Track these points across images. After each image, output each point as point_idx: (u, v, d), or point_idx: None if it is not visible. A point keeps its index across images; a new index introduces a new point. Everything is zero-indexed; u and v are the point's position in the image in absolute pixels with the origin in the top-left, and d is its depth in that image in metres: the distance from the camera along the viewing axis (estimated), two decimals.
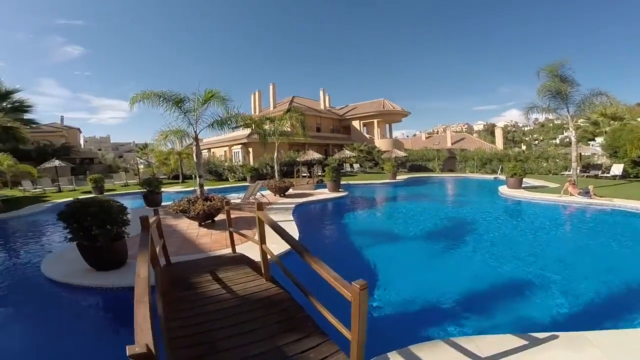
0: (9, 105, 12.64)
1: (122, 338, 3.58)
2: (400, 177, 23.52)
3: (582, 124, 29.38)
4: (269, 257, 3.75)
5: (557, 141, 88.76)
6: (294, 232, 7.72)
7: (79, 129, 45.12)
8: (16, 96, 12.81)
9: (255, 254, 4.56)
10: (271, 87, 36.32)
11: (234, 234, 5.51)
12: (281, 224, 8.52)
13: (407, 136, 72.46)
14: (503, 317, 4.32)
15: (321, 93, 40.79)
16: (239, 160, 29.63)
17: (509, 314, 4.39)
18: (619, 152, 18.54)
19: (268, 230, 3.65)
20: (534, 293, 4.98)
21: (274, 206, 11.99)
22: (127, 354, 1.31)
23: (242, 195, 13.74)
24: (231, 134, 30.39)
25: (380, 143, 35.82)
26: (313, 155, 24.88)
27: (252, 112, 36.34)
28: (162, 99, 8.52)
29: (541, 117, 17.89)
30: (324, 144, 34.93)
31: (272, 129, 15.58)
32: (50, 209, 13.02)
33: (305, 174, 24.05)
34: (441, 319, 4.25)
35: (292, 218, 9.60)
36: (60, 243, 6.03)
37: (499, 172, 24.02)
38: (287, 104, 32.76)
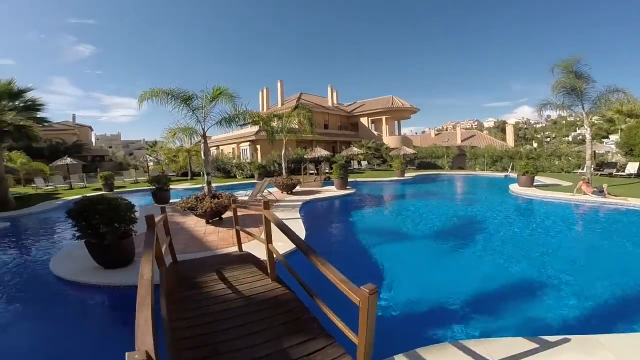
0: (21, 104, 12.78)
1: (129, 337, 3.55)
2: (409, 175, 23.33)
3: (596, 121, 28.69)
4: (275, 256, 3.70)
5: (570, 138, 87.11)
6: (301, 230, 7.68)
7: (90, 127, 45.85)
8: (28, 95, 12.94)
9: (261, 252, 4.52)
10: (279, 84, 36.25)
11: (241, 232, 5.49)
12: (288, 222, 8.52)
13: (416, 133, 71.75)
14: (513, 319, 4.21)
15: (329, 90, 40.56)
16: (247, 158, 29.72)
17: (519, 316, 4.28)
18: (634, 150, 18.05)
19: (275, 228, 3.61)
20: (545, 294, 4.85)
21: (281, 203, 11.97)
22: None
23: (249, 192, 13.77)
24: (239, 131, 30.49)
25: (389, 140, 35.52)
26: (321, 152, 24.81)
27: (260, 109, 36.40)
28: (170, 96, 8.54)
29: (554, 114, 17.52)
30: (332, 141, 34.79)
31: (280, 126, 15.55)
32: (61, 206, 13.23)
33: (312, 171, 24.02)
34: (450, 320, 4.16)
35: (299, 216, 9.57)
36: (70, 241, 6.11)
37: (509, 169, 23.62)
38: (294, 101, 32.69)
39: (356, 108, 41.34)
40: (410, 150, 29.94)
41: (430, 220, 10.04)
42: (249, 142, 29.90)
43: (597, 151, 22.29)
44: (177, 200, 10.18)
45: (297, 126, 17.27)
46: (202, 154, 9.62)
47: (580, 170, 21.54)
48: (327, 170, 24.24)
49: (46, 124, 15.17)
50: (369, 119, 39.00)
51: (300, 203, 11.94)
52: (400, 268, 6.06)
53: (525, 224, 9.55)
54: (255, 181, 18.90)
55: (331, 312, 2.53)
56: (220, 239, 7.11)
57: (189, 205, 8.69)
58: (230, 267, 4.35)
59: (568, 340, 3.29)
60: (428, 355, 3.06)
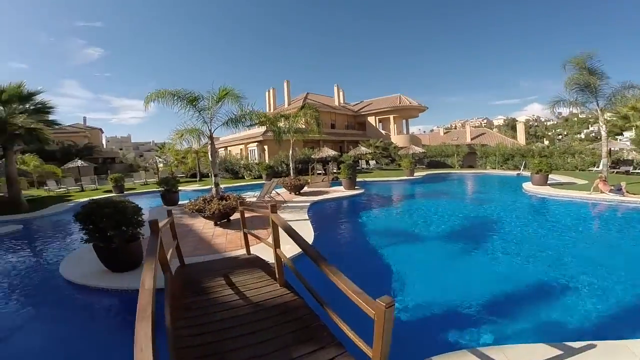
0: (31, 107, 12.96)
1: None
2: (418, 174, 23.02)
3: (609, 118, 27.96)
4: (283, 261, 3.59)
5: (582, 136, 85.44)
6: (309, 232, 7.56)
7: (100, 129, 46.59)
8: (38, 97, 13.12)
9: (270, 254, 4.41)
10: (285, 84, 36.21)
11: (249, 234, 5.40)
12: (296, 223, 8.43)
13: (424, 132, 71.17)
14: (533, 324, 4.03)
15: (335, 89, 40.37)
16: (255, 158, 29.76)
17: (540, 321, 4.10)
18: None
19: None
20: (567, 298, 4.66)
21: (289, 204, 11.88)
22: None
23: (258, 193, 13.72)
24: (247, 132, 30.54)
25: (397, 139, 35.17)
26: (328, 152, 24.66)
27: (267, 110, 36.41)
28: (176, 97, 8.50)
29: (566, 112, 17.21)
30: (339, 141, 34.62)
31: (287, 126, 15.47)
32: (73, 208, 13.36)
33: (320, 172, 23.90)
34: (466, 325, 3.99)
35: (307, 217, 9.45)
36: (80, 243, 6.12)
37: (522, 168, 23.15)
38: (301, 101, 32.61)
39: (363, 107, 41.06)
40: (419, 149, 29.55)
41: (442, 220, 9.81)
42: (256, 143, 29.93)
43: (612, 148, 21.69)
44: (186, 201, 10.16)
45: (304, 126, 17.17)
46: (210, 156, 9.58)
47: (595, 168, 21.05)
48: (335, 170, 24.09)
49: (57, 126, 15.37)
50: (377, 118, 38.68)
51: (309, 204, 11.82)
52: (412, 271, 5.90)
53: (541, 224, 9.25)
54: (264, 182, 18.87)
55: (342, 322, 2.41)
56: (228, 242, 7.04)
57: (197, 207, 8.65)
58: (237, 272, 4.26)
59: (593, 346, 3.13)
60: None
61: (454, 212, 10.95)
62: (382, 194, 16.33)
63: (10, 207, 12.73)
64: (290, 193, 14.84)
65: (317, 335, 2.76)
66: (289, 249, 5.44)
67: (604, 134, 14.07)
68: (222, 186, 10.46)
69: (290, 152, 16.21)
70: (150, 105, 8.73)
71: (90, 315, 4.73)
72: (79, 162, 22.18)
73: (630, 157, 21.22)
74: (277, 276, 3.74)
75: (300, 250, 5.57)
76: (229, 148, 35.04)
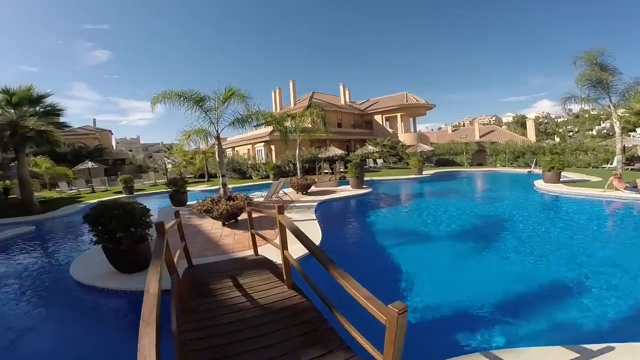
0: (41, 109, 13.16)
1: None
2: (427, 172, 22.78)
3: (622, 114, 27.36)
4: (290, 263, 3.53)
5: (594, 132, 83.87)
6: (317, 232, 7.50)
7: (110, 131, 47.29)
8: (48, 100, 13.32)
9: (278, 255, 4.36)
10: (291, 84, 36.19)
11: (256, 235, 5.36)
12: (304, 223, 8.37)
13: (432, 129, 70.55)
14: (549, 326, 3.92)
15: (341, 88, 40.17)
16: (262, 158, 29.84)
17: (555, 323, 3.98)
18: None
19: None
20: (582, 298, 4.52)
21: (296, 204, 11.83)
22: None
23: (265, 193, 13.70)
24: (254, 132, 30.66)
25: (404, 137, 34.90)
26: (335, 151, 24.56)
27: (273, 109, 36.45)
28: (182, 98, 8.52)
29: (577, 108, 17.06)
30: (346, 140, 34.48)
31: (293, 125, 15.43)
32: (84, 209, 13.54)
33: (327, 171, 23.82)
34: (478, 328, 3.88)
35: (314, 217, 9.38)
36: (90, 244, 6.18)
37: (532, 165, 22.75)
38: (307, 101, 32.57)
39: (369, 106, 40.82)
40: (427, 147, 29.25)
41: (453, 219, 9.65)
42: (263, 143, 30.00)
43: (625, 145, 21.19)
44: (194, 202, 10.20)
45: (310, 125, 17.12)
46: (217, 156, 9.59)
47: (609, 165, 20.60)
48: (342, 170, 23.97)
49: (67, 128, 15.61)
50: (383, 116, 38.40)
51: (316, 203, 11.76)
52: (422, 271, 5.79)
53: (555, 222, 9.03)
54: (271, 182, 18.89)
55: (351, 325, 2.33)
56: (236, 242, 7.02)
57: (204, 207, 8.66)
58: (245, 273, 4.22)
59: (612, 348, 3.02)
60: None
61: (465, 210, 10.77)
62: (390, 192, 16.18)
63: (23, 208, 12.96)
64: (297, 193, 14.80)
65: (325, 339, 2.71)
66: (297, 248, 5.38)
67: (617, 130, 13.76)
68: (229, 186, 10.46)
69: (297, 151, 16.17)
70: (158, 106, 8.78)
71: (98, 316, 4.75)
72: (90, 164, 22.49)
73: None
74: (284, 278, 3.69)
75: (307, 251, 5.55)
76: (236, 148, 35.20)
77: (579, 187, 12.99)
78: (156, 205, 14.13)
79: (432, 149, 30.47)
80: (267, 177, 23.60)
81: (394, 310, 1.56)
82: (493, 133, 44.15)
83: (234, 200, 8.83)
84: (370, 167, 28.68)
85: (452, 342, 3.63)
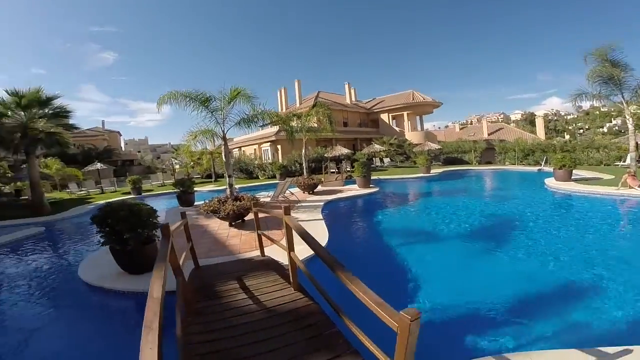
0: (50, 111, 13.32)
1: None
2: (435, 171, 22.54)
3: (635, 111, 26.76)
4: (297, 264, 3.47)
5: (605, 129, 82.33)
6: (324, 232, 7.42)
7: (119, 132, 47.87)
8: (56, 102, 13.49)
9: (284, 255, 4.31)
10: (296, 83, 36.18)
11: (262, 236, 5.32)
12: (310, 223, 8.29)
13: (439, 128, 69.96)
14: (565, 328, 3.80)
15: (346, 87, 40.04)
16: (269, 158, 29.89)
17: (572, 325, 3.87)
18: None
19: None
20: (599, 299, 4.38)
21: (302, 204, 11.78)
22: None
23: (271, 193, 13.68)
24: (260, 132, 30.71)
25: (411, 136, 34.63)
26: (341, 150, 24.46)
27: (279, 109, 36.47)
28: (188, 99, 8.52)
29: (586, 105, 16.77)
30: (352, 139, 34.34)
31: (299, 125, 15.38)
32: (92, 210, 13.65)
33: (333, 170, 23.73)
34: (491, 330, 3.78)
35: (321, 217, 9.31)
36: (98, 245, 6.22)
37: (543, 163, 22.36)
38: (312, 100, 32.50)
39: (375, 105, 40.59)
40: (435, 146, 28.97)
41: (462, 219, 9.49)
42: (269, 143, 30.04)
43: (638, 142, 20.71)
44: (201, 202, 10.22)
45: (316, 125, 17.04)
46: (223, 156, 9.58)
47: (622, 163, 20.15)
48: (348, 169, 23.86)
49: (76, 130, 15.78)
50: (390, 115, 38.14)
51: (322, 203, 11.68)
52: (431, 272, 5.68)
53: (568, 221, 8.82)
54: (277, 181, 18.88)
55: (359, 330, 2.26)
56: (242, 243, 6.99)
57: (211, 208, 8.66)
58: (251, 274, 4.18)
59: (630, 351, 2.92)
60: None
61: (474, 210, 10.60)
62: (398, 192, 16.02)
63: (34, 209, 13.15)
64: (303, 192, 14.75)
65: (332, 343, 2.66)
66: (303, 249, 5.32)
67: (631, 127, 13.48)
68: (236, 186, 10.46)
69: (303, 151, 16.13)
70: (166, 107, 8.85)
71: (105, 317, 4.76)
72: (98, 165, 22.78)
73: None
74: (291, 280, 3.63)
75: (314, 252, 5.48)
76: (242, 148, 35.34)
77: (592, 185, 12.69)
78: (164, 206, 14.21)
79: (439, 147, 30.15)
80: (274, 177, 23.62)
81: (406, 317, 1.48)
82: (501, 131, 43.60)
83: (240, 201, 8.82)
84: (377, 166, 28.51)
85: (464, 345, 3.53)
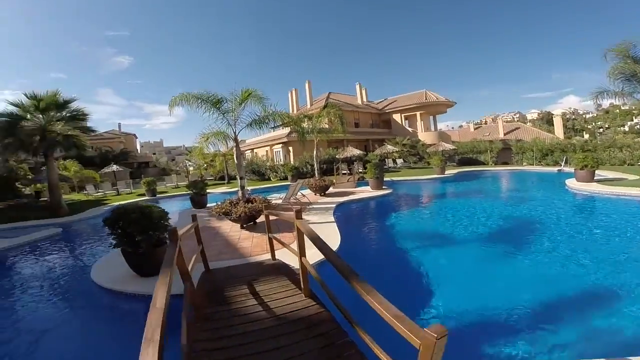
0: (67, 114, 13.63)
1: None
2: (450, 172, 22.06)
3: None
4: (308, 270, 3.34)
5: (626, 128, 79.45)
6: (336, 234, 7.27)
7: (135, 135, 48.90)
8: (73, 105, 13.81)
9: (295, 259, 4.19)
10: (307, 84, 36.10)
11: (274, 239, 5.22)
12: (322, 225, 8.13)
13: (452, 128, 68.72)
14: (589, 336, 3.61)
15: (357, 88, 39.73)
16: (280, 160, 29.93)
17: (596, 333, 3.66)
18: None
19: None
20: (627, 307, 4.08)
21: (314, 206, 11.65)
22: None
23: (283, 195, 13.62)
24: (272, 134, 30.84)
25: (425, 136, 34.09)
26: (353, 151, 24.26)
27: (290, 111, 36.51)
28: (200, 100, 8.53)
29: (606, 103, 16.19)
30: (364, 140, 34.06)
31: (311, 126, 15.28)
32: (108, 212, 13.88)
33: (345, 172, 23.54)
34: (513, 340, 3.56)
35: (333, 219, 9.15)
36: (110, 248, 6.26)
37: (562, 163, 21.58)
38: (323, 101, 32.39)
39: (387, 105, 40.15)
40: (449, 146, 28.36)
41: (479, 222, 9.15)
42: (281, 144, 30.09)
43: None
44: (214, 204, 10.24)
45: (327, 126, 16.91)
46: (235, 158, 9.56)
47: None
48: (360, 170, 23.62)
49: (93, 133, 16.11)
50: (402, 115, 37.65)
51: (334, 205, 11.52)
52: (448, 278, 5.47)
53: (592, 224, 8.39)
54: (289, 183, 18.84)
55: (374, 343, 2.10)
56: (254, 245, 6.91)
57: (223, 210, 8.62)
58: (262, 279, 4.07)
59: None
60: None
61: (492, 212, 10.23)
62: (412, 193, 15.72)
63: (52, 211, 13.46)
64: (315, 194, 14.62)
65: (344, 354, 2.53)
66: (315, 253, 5.19)
67: None
68: (248, 188, 10.42)
69: (315, 152, 16.02)
70: (180, 110, 8.90)
71: (115, 319, 4.75)
72: (115, 167, 23.27)
73: None
74: (302, 286, 3.50)
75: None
76: (255, 150, 35.53)
77: (616, 185, 12.10)
78: (177, 208, 14.35)
79: (454, 147, 29.50)
80: (285, 178, 23.62)
81: (431, 334, 1.33)
82: (518, 130, 42.48)
83: (252, 203, 8.76)
84: (390, 167, 28.16)
85: (483, 354, 3.34)
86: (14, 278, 6.77)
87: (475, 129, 51.11)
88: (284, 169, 24.27)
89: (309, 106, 34.77)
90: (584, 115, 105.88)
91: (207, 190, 14.27)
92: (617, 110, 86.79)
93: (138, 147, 54.53)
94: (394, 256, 6.84)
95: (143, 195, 19.14)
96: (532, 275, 5.41)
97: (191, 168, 28.45)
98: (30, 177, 21.18)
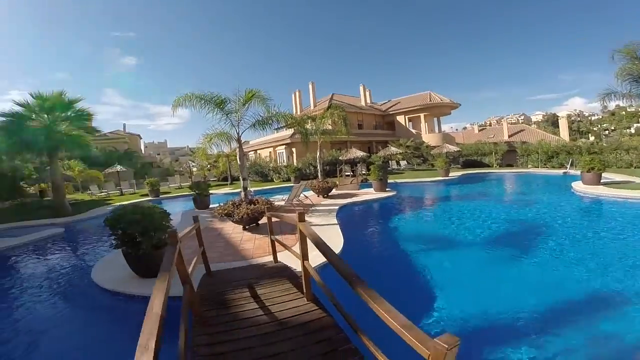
0: (72, 114, 13.68)
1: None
2: (454, 174, 21.89)
3: None
4: (311, 274, 3.26)
5: (632, 130, 78.72)
6: (338, 237, 7.18)
7: (139, 135, 49.06)
8: (78, 105, 13.84)
9: (297, 261, 4.11)
10: (310, 85, 36.06)
11: (276, 242, 5.15)
12: (325, 227, 8.05)
13: (457, 129, 68.53)
14: (597, 343, 3.54)
15: (361, 89, 39.63)
16: (284, 161, 29.89)
17: (604, 339, 3.59)
18: None
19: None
20: (635, 311, 4.02)
21: (317, 208, 11.58)
22: None
23: (286, 196, 13.55)
24: (275, 135, 30.81)
25: (429, 138, 33.89)
26: (356, 153, 24.14)
27: (294, 112, 36.47)
28: (203, 101, 8.50)
29: (612, 105, 15.99)
30: (367, 142, 33.95)
31: (314, 127, 15.22)
32: (110, 212, 13.94)
33: (348, 173, 23.44)
34: (518, 345, 3.49)
35: (336, 221, 9.07)
36: (111, 248, 6.24)
37: (568, 166, 21.35)
38: (326, 102, 32.31)
39: (391, 106, 39.98)
40: (453, 148, 28.15)
41: (484, 225, 9.03)
42: (285, 145, 30.06)
43: None
44: (217, 205, 10.20)
45: (330, 127, 16.84)
46: (238, 159, 9.51)
47: None
48: (363, 172, 23.51)
49: (98, 133, 16.16)
50: (406, 117, 37.48)
51: (337, 207, 11.43)
52: (452, 282, 5.37)
53: (599, 227, 8.26)
54: (292, 185, 18.77)
55: (379, 351, 2.02)
56: (256, 247, 6.84)
57: (226, 211, 8.57)
58: (263, 282, 4.00)
59: None
60: None
61: (497, 215, 10.10)
62: (415, 195, 15.59)
63: (55, 210, 13.49)
64: (318, 196, 14.54)
65: None
66: (317, 255, 5.11)
67: None
68: (251, 189, 10.38)
69: (318, 153, 15.95)
70: (184, 111, 8.87)
71: (114, 320, 4.71)
72: (118, 167, 23.33)
73: None
74: (304, 289, 3.42)
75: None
76: (258, 151, 35.54)
77: (623, 189, 11.92)
78: (180, 208, 14.33)
79: (458, 149, 29.28)
80: (289, 179, 23.56)
81: (442, 345, 1.25)
82: (523, 132, 42.14)
83: (255, 204, 8.70)
84: (394, 169, 28.01)
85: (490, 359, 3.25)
86: (15, 277, 6.75)
87: (479, 130, 50.80)
88: (287, 171, 24.22)
89: (312, 107, 34.73)
90: (589, 117, 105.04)
91: (210, 191, 14.24)
92: (623, 112, 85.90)
93: (142, 147, 54.75)
94: (398, 259, 6.75)
95: (146, 195, 19.16)
96: (538, 279, 5.31)
97: (194, 169, 28.49)
98: (34, 176, 21.29)
